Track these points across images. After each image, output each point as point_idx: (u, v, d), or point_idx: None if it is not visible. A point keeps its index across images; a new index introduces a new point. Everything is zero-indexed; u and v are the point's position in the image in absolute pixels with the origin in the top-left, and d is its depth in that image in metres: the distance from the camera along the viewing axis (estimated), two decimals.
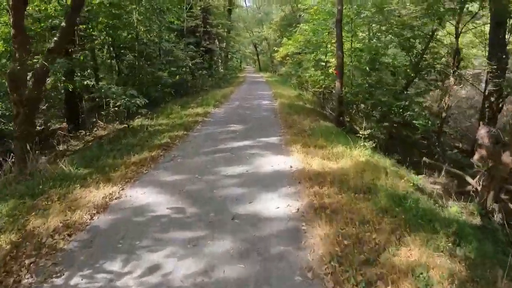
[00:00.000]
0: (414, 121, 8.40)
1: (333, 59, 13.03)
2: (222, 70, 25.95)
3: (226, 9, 26.53)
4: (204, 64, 15.31)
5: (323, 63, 15.39)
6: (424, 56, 12.40)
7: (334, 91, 12.58)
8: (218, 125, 8.02)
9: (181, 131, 7.09)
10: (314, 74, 14.33)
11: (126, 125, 7.62)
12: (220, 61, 28.25)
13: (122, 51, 11.11)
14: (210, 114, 9.62)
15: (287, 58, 19.07)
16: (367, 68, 9.34)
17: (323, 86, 11.47)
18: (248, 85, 21.67)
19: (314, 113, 11.00)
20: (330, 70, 11.38)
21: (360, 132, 6.06)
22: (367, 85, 9.25)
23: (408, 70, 11.19)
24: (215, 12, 22.75)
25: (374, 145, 6.18)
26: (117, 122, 8.13)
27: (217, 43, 25.42)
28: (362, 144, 6.14)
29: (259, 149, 5.88)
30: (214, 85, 17.55)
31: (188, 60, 12.71)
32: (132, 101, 7.87)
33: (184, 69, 13.53)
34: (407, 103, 8.39)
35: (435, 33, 11.66)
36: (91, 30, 10.17)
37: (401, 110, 8.32)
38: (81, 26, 9.70)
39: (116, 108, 7.71)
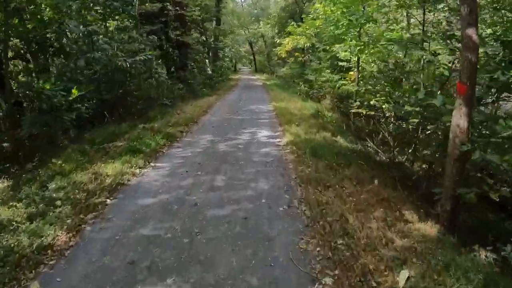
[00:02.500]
0: None
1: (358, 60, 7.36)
2: (210, 72, 20.05)
3: None
4: (155, 65, 9.35)
5: (344, 64, 10.17)
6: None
7: (391, 114, 6.79)
8: None
9: None
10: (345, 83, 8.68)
11: None
12: (207, 60, 22.41)
13: None
14: (122, 192, 3.76)
15: (296, 54, 13.32)
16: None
17: (385, 106, 5.71)
18: (240, 93, 15.91)
19: (364, 167, 5.18)
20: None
21: None
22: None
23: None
24: None
25: None
26: None
27: (202, 37, 19.61)
28: None
29: None
30: (186, 95, 11.78)
31: (122, 56, 6.89)
32: None
33: (124, 73, 7.65)
34: None
35: None
36: None
37: None
38: None
39: None
